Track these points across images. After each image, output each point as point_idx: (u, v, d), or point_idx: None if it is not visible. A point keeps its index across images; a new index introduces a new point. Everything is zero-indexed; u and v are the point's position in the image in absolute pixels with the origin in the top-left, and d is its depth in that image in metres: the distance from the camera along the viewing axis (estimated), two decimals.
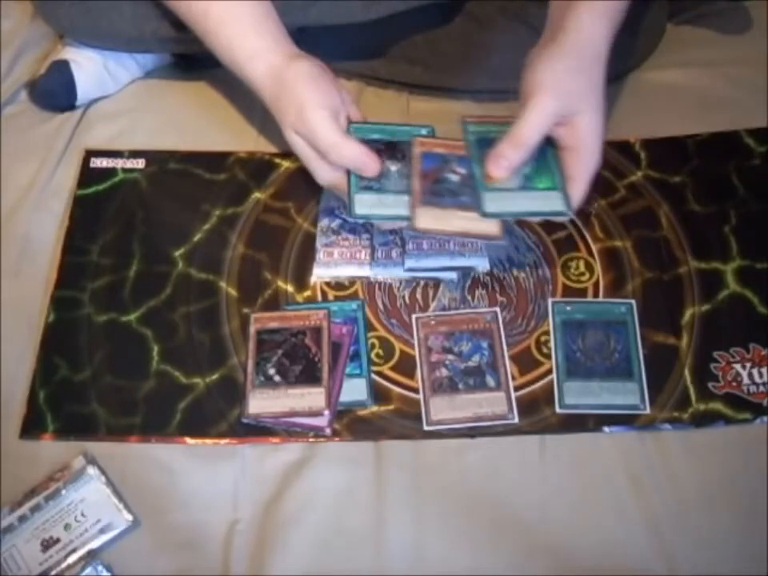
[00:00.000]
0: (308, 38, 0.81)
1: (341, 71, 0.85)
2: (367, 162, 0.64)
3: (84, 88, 0.83)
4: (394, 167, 0.67)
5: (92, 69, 0.83)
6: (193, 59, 0.86)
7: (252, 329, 0.70)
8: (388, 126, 0.70)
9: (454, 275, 0.73)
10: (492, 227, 0.64)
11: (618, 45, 0.83)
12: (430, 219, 0.64)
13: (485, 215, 0.62)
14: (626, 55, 0.85)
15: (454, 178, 0.66)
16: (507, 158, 0.61)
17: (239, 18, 0.67)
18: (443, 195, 0.65)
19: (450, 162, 0.67)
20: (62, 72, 0.82)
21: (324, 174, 0.66)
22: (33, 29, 0.89)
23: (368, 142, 0.66)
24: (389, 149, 0.68)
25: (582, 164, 0.62)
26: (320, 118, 0.63)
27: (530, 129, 0.61)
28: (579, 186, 0.63)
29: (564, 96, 0.61)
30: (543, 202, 0.63)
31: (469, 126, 0.68)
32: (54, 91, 0.83)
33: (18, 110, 0.85)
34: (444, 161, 0.67)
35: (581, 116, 0.61)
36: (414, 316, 0.70)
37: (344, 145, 0.63)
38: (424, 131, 0.69)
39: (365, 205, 0.65)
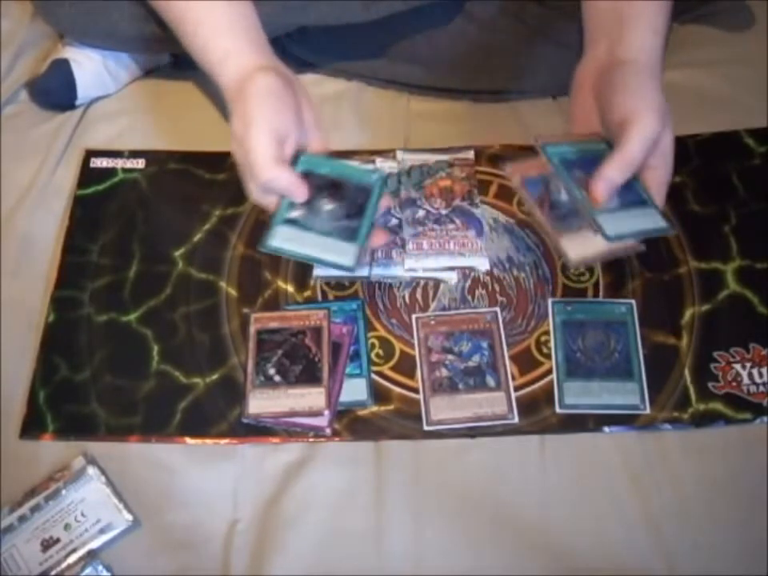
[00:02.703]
0: (309, 39, 0.81)
1: (341, 72, 0.85)
2: (295, 189, 0.63)
3: (84, 87, 0.83)
4: (328, 206, 0.65)
5: (92, 68, 0.83)
6: (192, 59, 0.86)
7: (252, 329, 0.70)
8: (339, 164, 0.67)
9: (454, 275, 0.73)
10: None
11: None
12: (578, 247, 0.64)
13: (609, 239, 0.61)
14: None
15: (564, 198, 0.65)
16: (613, 181, 0.60)
17: (215, 21, 0.66)
18: (566, 219, 0.65)
19: (550, 183, 0.66)
20: (62, 71, 0.82)
21: (254, 194, 0.64)
22: (33, 28, 0.89)
23: (314, 176, 0.65)
24: (333, 186, 0.66)
25: (662, 181, 0.63)
26: (260, 139, 0.61)
27: (636, 150, 0.60)
28: (659, 199, 0.63)
29: (661, 114, 0.61)
30: (646, 220, 0.62)
31: (548, 148, 0.65)
32: (54, 90, 0.83)
33: (18, 110, 0.85)
34: (544, 183, 0.66)
35: (664, 134, 0.61)
36: (413, 316, 0.70)
37: (274, 172, 0.61)
38: (375, 176, 0.66)
39: (282, 238, 0.63)
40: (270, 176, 0.61)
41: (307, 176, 0.64)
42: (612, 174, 0.60)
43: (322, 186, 0.65)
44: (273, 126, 0.62)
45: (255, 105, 0.62)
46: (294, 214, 0.64)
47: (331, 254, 0.63)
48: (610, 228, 0.61)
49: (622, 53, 0.63)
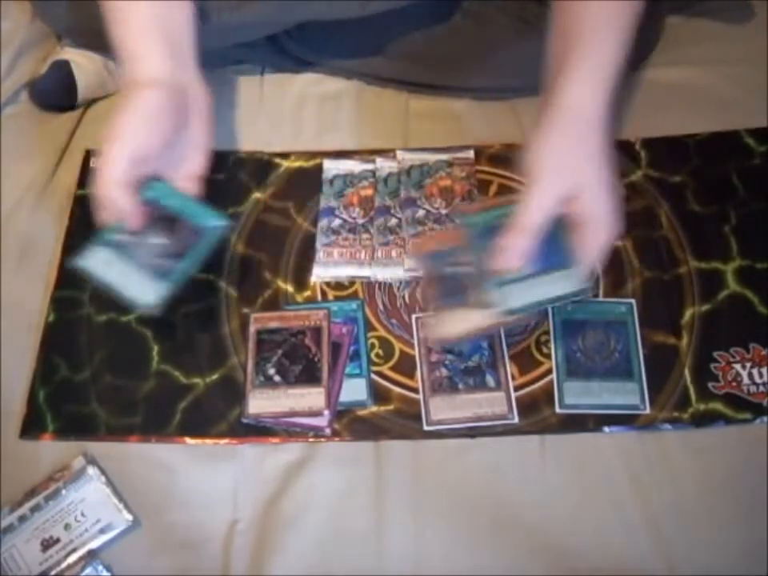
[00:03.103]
0: (307, 37, 0.81)
1: (340, 70, 0.85)
2: (126, 219, 0.63)
3: (84, 88, 0.83)
4: (155, 241, 0.64)
5: (92, 69, 0.83)
6: None
7: (252, 329, 0.70)
8: (189, 202, 0.65)
9: None
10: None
11: None
12: (452, 324, 0.63)
13: (504, 314, 0.60)
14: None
15: (459, 271, 0.64)
16: (515, 249, 0.59)
17: (133, 22, 0.65)
18: (454, 294, 0.63)
19: (451, 257, 0.65)
20: (62, 72, 0.81)
21: (97, 200, 0.63)
22: (33, 29, 0.89)
23: (157, 205, 0.64)
24: (169, 222, 0.65)
25: (591, 238, 0.60)
26: (112, 155, 0.61)
27: (535, 214, 0.58)
28: (588, 260, 0.60)
29: (566, 176, 0.59)
30: (561, 284, 0.60)
31: (468, 218, 0.64)
32: (55, 91, 0.83)
33: (19, 111, 0.85)
34: (444, 256, 0.65)
35: (585, 191, 0.59)
36: (413, 316, 0.70)
37: (111, 192, 0.61)
38: (216, 222, 0.65)
39: (94, 259, 0.63)
40: (108, 195, 0.61)
41: (150, 204, 0.64)
42: (512, 241, 0.59)
43: (161, 217, 0.65)
44: (134, 147, 0.62)
45: (126, 120, 0.62)
46: (118, 238, 0.63)
47: (132, 290, 0.62)
48: (506, 302, 0.59)
49: (552, 104, 0.62)
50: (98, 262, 0.63)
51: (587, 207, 0.59)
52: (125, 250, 0.63)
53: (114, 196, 0.61)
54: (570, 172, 0.60)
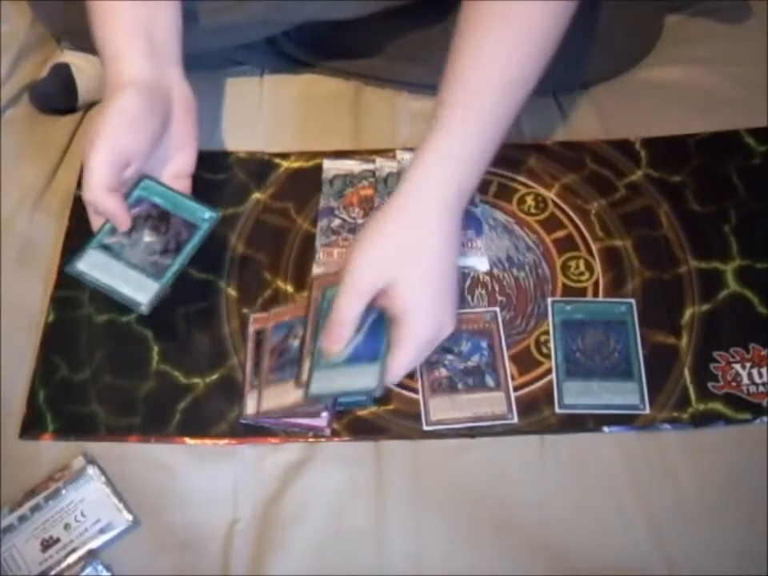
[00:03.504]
0: (305, 38, 0.81)
1: (339, 71, 0.85)
2: (115, 220, 0.63)
3: (84, 91, 0.83)
4: (147, 239, 0.65)
5: (92, 72, 0.83)
6: (191, 60, 0.86)
7: (251, 329, 0.70)
8: (176, 197, 0.66)
9: None
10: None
11: (615, 45, 0.84)
12: (270, 399, 0.64)
13: (309, 396, 0.61)
14: (623, 54, 0.85)
15: (295, 346, 0.65)
16: (331, 336, 0.60)
17: (115, 21, 0.65)
18: (285, 368, 0.65)
19: (294, 329, 0.66)
20: (62, 75, 0.82)
21: (87, 208, 0.64)
22: (33, 32, 0.89)
23: (146, 204, 0.65)
24: (160, 219, 0.66)
25: (403, 336, 0.59)
26: (96, 159, 0.61)
27: (343, 308, 0.60)
28: (399, 357, 0.59)
29: (377, 270, 0.59)
30: (357, 379, 0.60)
31: (321, 290, 0.65)
32: (55, 94, 0.83)
33: (19, 113, 0.85)
34: (290, 328, 0.66)
35: (399, 288, 0.59)
36: None
37: (98, 195, 0.61)
38: (207, 215, 0.66)
39: (89, 262, 0.64)
40: (94, 199, 0.62)
41: (140, 202, 0.64)
42: (331, 328, 0.60)
43: (152, 215, 0.65)
44: (116, 150, 0.62)
45: (107, 124, 0.62)
46: (112, 240, 0.64)
47: (129, 289, 0.63)
48: (315, 386, 0.61)
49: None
50: (93, 266, 0.64)
51: (398, 302, 0.59)
52: (118, 251, 0.64)
53: (101, 200, 0.62)
54: (383, 266, 0.59)
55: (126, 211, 0.63)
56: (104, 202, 0.62)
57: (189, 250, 0.65)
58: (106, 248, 0.64)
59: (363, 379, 0.60)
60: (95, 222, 0.65)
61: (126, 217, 0.63)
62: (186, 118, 0.66)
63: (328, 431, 0.65)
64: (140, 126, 0.63)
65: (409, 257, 0.60)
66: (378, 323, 0.61)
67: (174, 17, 0.67)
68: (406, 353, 0.60)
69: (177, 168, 0.67)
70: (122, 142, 0.62)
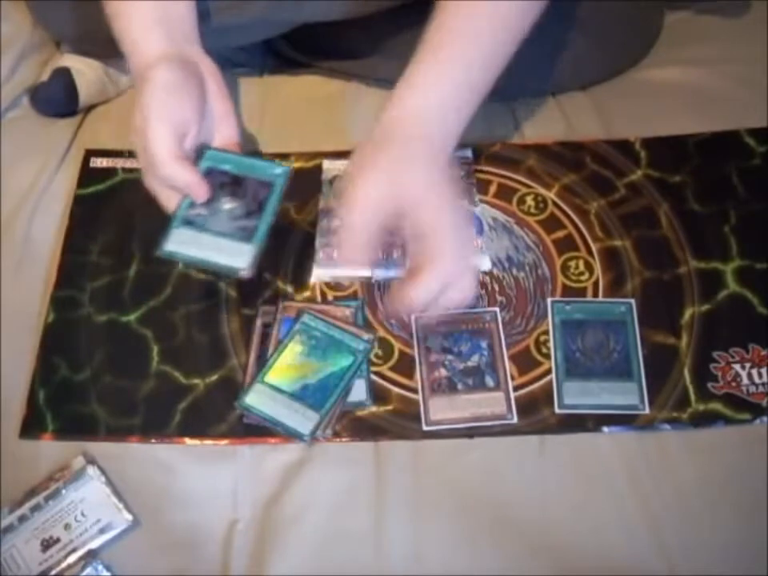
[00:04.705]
0: (306, 39, 0.81)
1: (338, 73, 0.85)
2: (194, 186, 0.62)
3: (85, 95, 0.83)
4: (228, 206, 0.64)
5: (93, 76, 0.83)
6: None
7: (258, 321, 0.70)
8: (245, 160, 0.66)
9: None
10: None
11: (614, 43, 0.84)
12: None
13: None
14: (622, 54, 0.85)
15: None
16: (347, 241, 0.58)
17: (133, 9, 0.65)
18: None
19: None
20: (63, 79, 0.82)
21: (155, 187, 0.64)
22: (33, 33, 0.89)
23: (216, 173, 0.64)
24: (234, 184, 0.65)
25: (430, 253, 0.57)
26: (159, 133, 0.60)
27: (352, 213, 0.58)
28: (424, 278, 0.57)
29: (381, 186, 0.57)
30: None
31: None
32: (57, 99, 0.83)
33: (20, 114, 0.85)
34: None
35: (420, 205, 0.57)
36: (413, 316, 0.70)
37: (173, 168, 0.61)
38: (279, 170, 0.65)
39: (177, 241, 0.63)
40: (169, 172, 0.61)
41: (210, 173, 0.64)
42: (346, 253, 0.59)
43: (225, 183, 0.64)
44: (172, 121, 0.61)
45: (153, 98, 0.61)
46: (192, 213, 0.63)
47: (224, 257, 0.62)
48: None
49: (386, 112, 0.60)
50: (181, 243, 0.63)
51: (424, 220, 0.57)
52: (202, 223, 0.63)
53: (176, 172, 0.61)
54: (391, 185, 0.57)
55: (203, 180, 0.63)
56: (179, 173, 0.61)
57: (272, 206, 0.64)
58: (189, 223, 0.63)
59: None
60: (170, 201, 0.64)
61: (204, 185, 0.62)
62: (220, 89, 0.66)
63: (328, 431, 0.65)
64: (184, 94, 0.62)
65: (427, 180, 0.58)
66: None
67: (190, 7, 0.67)
68: (432, 275, 0.57)
69: (225, 137, 0.66)
70: (175, 112, 0.61)
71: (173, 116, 0.61)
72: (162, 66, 0.62)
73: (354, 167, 0.60)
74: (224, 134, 0.66)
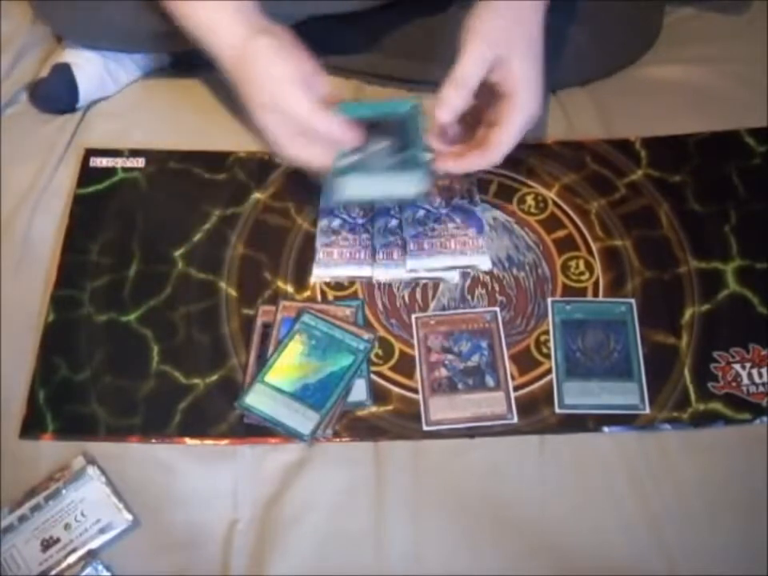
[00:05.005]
0: (306, 36, 0.81)
1: (340, 70, 0.85)
2: (347, 133, 0.64)
3: (85, 90, 0.83)
4: (379, 145, 0.66)
5: (93, 71, 0.83)
6: (192, 59, 0.86)
7: (258, 321, 0.70)
8: (376, 105, 0.69)
9: (456, 275, 0.73)
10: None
11: (614, 40, 0.83)
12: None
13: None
14: (621, 51, 0.85)
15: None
16: (450, 99, 0.63)
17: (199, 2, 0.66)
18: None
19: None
20: (64, 75, 0.81)
21: (300, 152, 0.65)
22: (33, 30, 0.89)
23: (355, 121, 0.65)
24: (375, 126, 0.67)
25: (512, 109, 0.64)
26: (293, 91, 0.62)
27: (465, 69, 0.63)
28: (507, 131, 0.64)
29: (495, 42, 0.63)
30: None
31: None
32: (57, 95, 0.83)
33: (19, 111, 0.85)
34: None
35: (513, 62, 0.63)
36: (413, 316, 0.70)
37: (321, 118, 0.63)
38: (410, 105, 0.68)
39: (347, 188, 0.65)
40: (319, 124, 0.62)
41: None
42: (448, 93, 0.63)
43: (366, 128, 0.66)
44: (297, 77, 0.63)
45: (270, 63, 0.63)
46: (350, 160, 0.65)
47: (396, 190, 0.65)
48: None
49: None
50: (352, 188, 0.65)
51: (513, 78, 0.63)
52: (362, 167, 0.65)
53: (325, 124, 0.63)
54: (499, 40, 0.63)
55: (351, 124, 0.64)
56: (329, 122, 0.63)
57: (416, 139, 0.66)
58: (351, 170, 0.65)
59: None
60: (322, 157, 0.65)
61: (354, 129, 0.64)
62: (300, 47, 0.67)
63: (329, 431, 0.65)
64: (294, 53, 0.64)
65: (526, 40, 0.64)
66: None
67: None
68: (514, 124, 0.64)
69: (323, 93, 0.67)
70: (298, 70, 0.63)
71: (296, 74, 0.63)
72: (264, 35, 0.64)
73: (473, 18, 0.64)
74: (323, 89, 0.67)
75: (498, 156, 0.66)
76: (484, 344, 0.69)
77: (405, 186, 0.65)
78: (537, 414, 0.66)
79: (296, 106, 0.62)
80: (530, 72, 0.64)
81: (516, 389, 0.67)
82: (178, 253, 0.75)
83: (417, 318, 0.70)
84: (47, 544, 0.61)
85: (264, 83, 0.63)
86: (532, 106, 0.64)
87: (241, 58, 0.64)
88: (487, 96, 0.65)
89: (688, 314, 0.70)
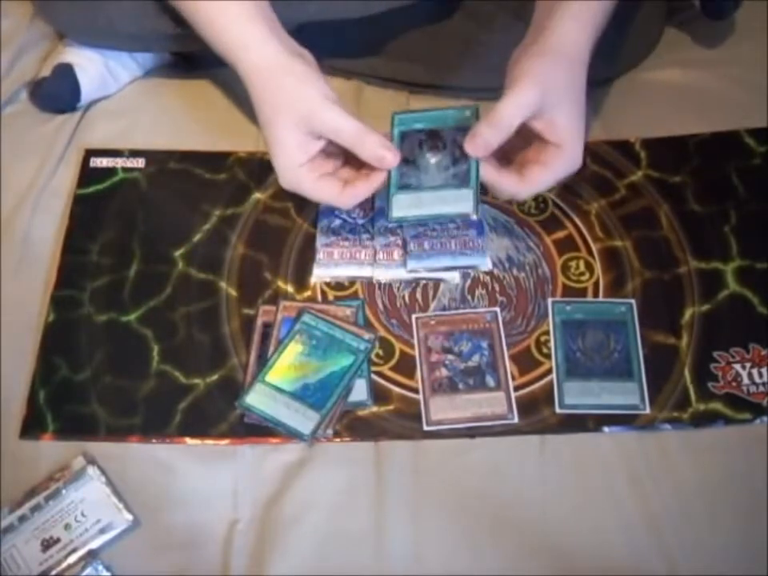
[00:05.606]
0: (307, 36, 0.81)
1: (341, 71, 0.85)
2: (388, 154, 0.63)
3: (87, 90, 0.83)
4: (433, 159, 0.65)
5: (94, 70, 0.83)
6: (192, 59, 0.86)
7: (259, 321, 0.70)
8: (433, 113, 0.67)
9: (456, 275, 0.73)
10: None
11: (615, 44, 0.84)
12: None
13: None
14: (623, 54, 0.85)
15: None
16: (483, 137, 0.62)
17: (231, 8, 0.66)
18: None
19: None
20: (66, 76, 0.81)
21: (314, 184, 0.66)
22: (33, 28, 0.89)
23: (412, 132, 0.66)
24: (432, 137, 0.66)
25: (560, 157, 0.64)
26: (337, 113, 0.63)
27: (509, 112, 0.62)
28: (550, 173, 0.64)
29: (543, 88, 0.62)
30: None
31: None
32: (59, 95, 0.82)
33: (18, 110, 0.85)
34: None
35: (558, 110, 0.62)
36: (413, 316, 0.70)
37: (368, 133, 0.63)
38: (468, 112, 0.66)
39: (401, 206, 0.64)
40: (367, 144, 0.63)
41: (405, 135, 0.66)
42: (482, 129, 0.62)
43: (422, 140, 0.66)
44: (334, 98, 0.64)
45: (308, 87, 0.64)
46: (404, 179, 0.65)
47: (449, 206, 0.64)
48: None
49: (536, 38, 0.65)
50: (404, 207, 0.65)
51: (558, 127, 0.63)
52: (417, 184, 0.65)
53: (368, 136, 0.63)
54: (547, 87, 0.62)
55: (392, 144, 0.64)
56: (375, 139, 0.63)
57: None
58: (405, 187, 0.65)
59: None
60: (372, 184, 0.65)
61: (394, 148, 0.64)
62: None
63: (329, 431, 0.65)
64: (322, 77, 0.65)
65: (572, 89, 0.64)
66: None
67: (266, 4, 0.68)
68: (558, 171, 0.64)
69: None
70: (331, 93, 0.64)
71: (331, 95, 0.64)
72: (297, 59, 0.65)
73: (521, 62, 0.64)
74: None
75: (531, 192, 0.66)
76: (484, 344, 0.69)
77: (456, 203, 0.64)
78: (537, 414, 0.66)
79: (342, 126, 0.62)
80: (578, 125, 0.64)
81: (516, 389, 0.67)
82: (178, 253, 0.75)
83: (417, 318, 0.70)
84: (47, 544, 0.61)
85: (305, 107, 0.63)
86: (577, 160, 0.64)
87: (271, 80, 0.65)
88: (523, 136, 0.65)
89: (688, 314, 0.70)
